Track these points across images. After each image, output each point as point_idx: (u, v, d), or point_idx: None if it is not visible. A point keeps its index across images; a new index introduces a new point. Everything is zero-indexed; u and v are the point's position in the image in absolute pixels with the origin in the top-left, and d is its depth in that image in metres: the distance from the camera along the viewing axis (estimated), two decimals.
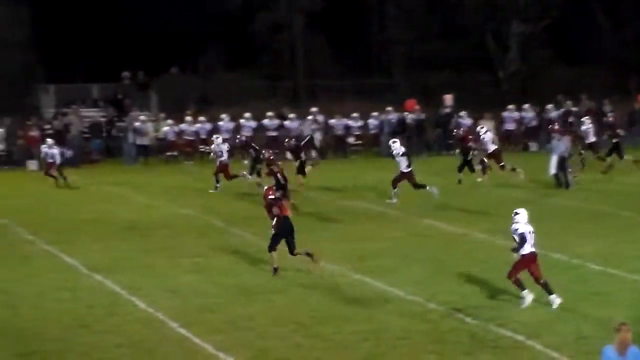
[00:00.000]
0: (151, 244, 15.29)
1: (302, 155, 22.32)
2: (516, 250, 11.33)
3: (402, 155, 20.34)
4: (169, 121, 31.66)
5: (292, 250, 13.26)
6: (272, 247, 13.24)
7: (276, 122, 31.64)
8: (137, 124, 30.69)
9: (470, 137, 23.93)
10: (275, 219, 13.34)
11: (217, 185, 22.37)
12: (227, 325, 10.81)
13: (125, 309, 11.63)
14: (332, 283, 12.86)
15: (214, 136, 24.86)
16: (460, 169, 23.11)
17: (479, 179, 23.04)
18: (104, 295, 12.42)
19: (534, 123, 32.63)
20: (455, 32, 40.28)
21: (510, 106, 32.61)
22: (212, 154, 23.42)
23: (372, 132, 32.48)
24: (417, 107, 32.18)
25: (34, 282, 13.05)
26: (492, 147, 23.15)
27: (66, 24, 36.84)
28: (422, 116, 32.15)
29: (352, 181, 24.35)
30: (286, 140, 24.23)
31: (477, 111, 31.81)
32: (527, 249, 11.26)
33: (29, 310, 11.57)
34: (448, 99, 32.98)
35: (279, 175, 18.57)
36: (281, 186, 17.87)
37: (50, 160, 23.94)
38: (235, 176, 22.74)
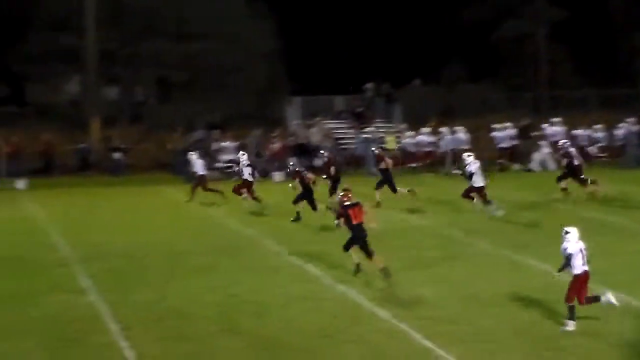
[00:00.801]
0: (388, 254, 15.31)
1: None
2: (561, 270, 11.19)
3: None
4: (410, 132, 32.07)
5: (369, 255, 13.89)
6: (346, 249, 14.26)
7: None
8: (377, 135, 31.27)
9: None
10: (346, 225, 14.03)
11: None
12: (470, 336, 10.87)
13: (368, 320, 11.80)
14: None
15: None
16: None
17: None
18: (348, 305, 12.64)
19: None
20: None
21: None
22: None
23: (618, 143, 31.95)
24: None
25: (281, 293, 13.50)
26: None
27: (311, 37, 38.35)
28: None
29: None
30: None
31: None
32: (580, 268, 10.96)
33: (275, 320, 11.96)
34: None
35: None
36: None
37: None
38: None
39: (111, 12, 34.82)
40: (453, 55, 39.85)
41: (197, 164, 23.92)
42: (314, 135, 31.90)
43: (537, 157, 31.20)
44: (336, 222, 14.61)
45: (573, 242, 11.02)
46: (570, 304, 10.82)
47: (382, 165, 21.67)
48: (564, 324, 10.81)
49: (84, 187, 28.51)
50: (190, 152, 25.27)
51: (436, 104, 36.77)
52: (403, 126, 33.05)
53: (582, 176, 21.67)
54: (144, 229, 20.26)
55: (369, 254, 13.84)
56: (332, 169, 21.84)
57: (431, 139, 31.62)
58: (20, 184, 28.48)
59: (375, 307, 12.31)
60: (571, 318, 10.77)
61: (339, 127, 34.23)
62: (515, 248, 16.33)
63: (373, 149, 25.09)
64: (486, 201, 19.87)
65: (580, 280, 10.96)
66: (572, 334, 10.56)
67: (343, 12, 39.79)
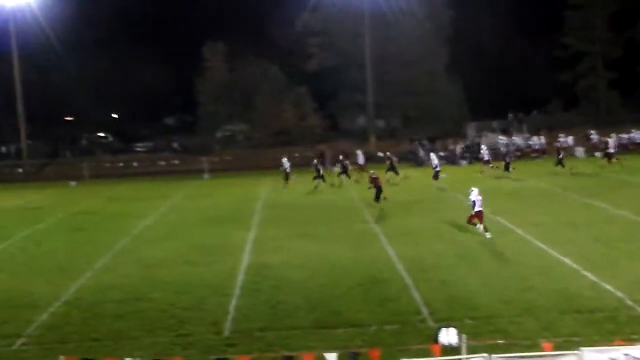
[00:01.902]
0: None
1: None
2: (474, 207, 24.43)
3: None
4: (534, 138, 63.66)
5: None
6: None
7: None
8: (514, 141, 63.40)
9: None
10: None
11: None
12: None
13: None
14: None
15: None
16: None
17: None
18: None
19: None
20: None
21: None
22: None
23: None
24: None
25: None
26: None
27: (481, 88, 72.45)
28: None
29: None
30: None
31: None
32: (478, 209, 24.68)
33: None
34: None
35: None
36: None
37: None
38: None
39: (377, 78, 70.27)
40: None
41: (433, 159, 42.31)
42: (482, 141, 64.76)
43: None
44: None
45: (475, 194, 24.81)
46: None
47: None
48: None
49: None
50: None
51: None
52: (528, 135, 64.53)
53: None
54: None
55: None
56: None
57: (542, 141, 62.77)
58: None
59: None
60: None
61: (496, 137, 66.70)
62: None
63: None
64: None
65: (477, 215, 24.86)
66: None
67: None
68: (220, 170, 57.57)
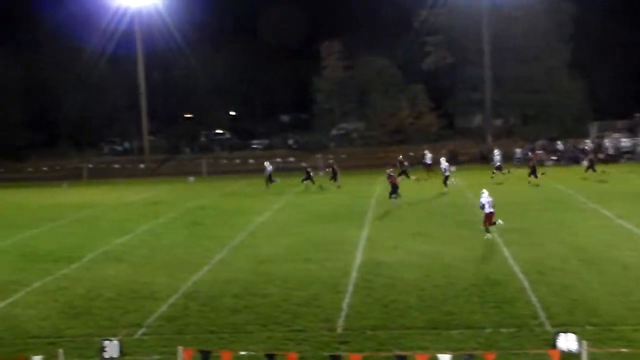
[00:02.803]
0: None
1: None
2: (482, 208, 25.62)
3: None
4: None
5: None
6: None
7: None
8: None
9: None
10: None
11: None
12: None
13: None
14: None
15: None
16: None
17: None
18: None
19: None
20: None
21: None
22: None
23: None
24: None
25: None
26: None
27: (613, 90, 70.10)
28: None
29: None
30: None
31: None
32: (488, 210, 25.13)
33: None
34: None
35: None
36: None
37: None
38: None
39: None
40: None
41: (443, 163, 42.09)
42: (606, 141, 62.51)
43: None
44: None
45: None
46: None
47: None
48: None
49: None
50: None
51: None
52: None
53: None
54: None
55: None
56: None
57: None
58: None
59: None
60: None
61: (619, 137, 64.19)
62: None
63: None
64: None
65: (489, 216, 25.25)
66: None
67: None
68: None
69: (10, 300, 19.76)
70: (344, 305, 18.01)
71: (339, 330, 16.23)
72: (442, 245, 24.67)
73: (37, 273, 22.87)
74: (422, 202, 36.20)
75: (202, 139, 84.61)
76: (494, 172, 45.74)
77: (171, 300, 19.05)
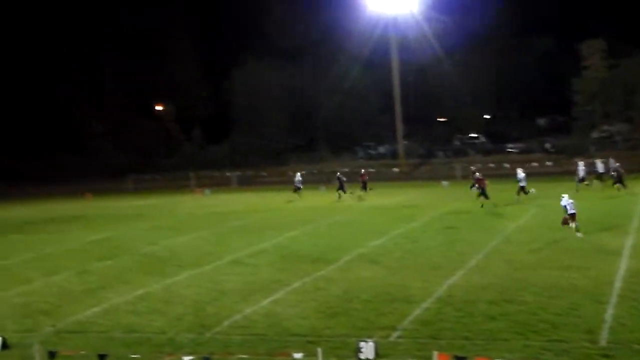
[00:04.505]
0: None
1: None
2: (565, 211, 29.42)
3: None
4: None
5: None
6: None
7: None
8: None
9: None
10: None
11: None
12: None
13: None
14: None
15: None
16: None
17: None
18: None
19: None
20: None
21: None
22: None
23: None
24: None
25: None
26: None
27: None
28: None
29: None
30: None
31: None
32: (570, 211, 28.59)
33: None
34: None
35: None
36: None
37: None
38: None
39: None
40: None
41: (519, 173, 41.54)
42: None
43: None
44: None
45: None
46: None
47: None
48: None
49: None
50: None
51: None
52: None
53: None
54: None
55: None
56: None
57: None
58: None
59: None
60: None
61: None
62: None
63: None
64: None
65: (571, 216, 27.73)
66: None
67: None
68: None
69: (272, 298, 20.96)
70: (607, 316, 17.10)
71: (603, 342, 15.43)
72: None
73: (297, 273, 24.09)
74: None
75: (456, 142, 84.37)
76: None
77: (425, 304, 19.20)
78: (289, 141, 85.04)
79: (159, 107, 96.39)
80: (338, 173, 51.92)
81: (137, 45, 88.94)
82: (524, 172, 41.51)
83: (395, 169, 70.43)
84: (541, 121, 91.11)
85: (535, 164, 63.84)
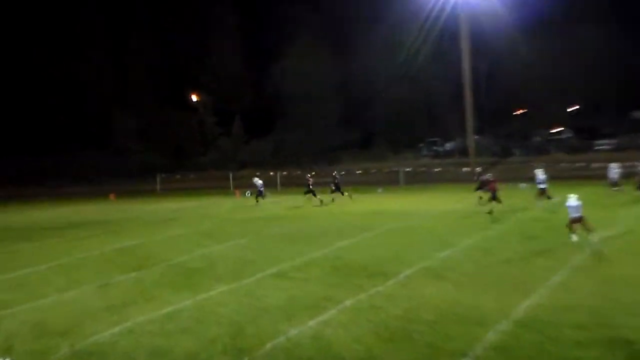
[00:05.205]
0: None
1: None
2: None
3: None
4: None
5: None
6: None
7: None
8: None
9: None
10: None
11: None
12: None
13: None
14: None
15: None
16: None
17: None
18: None
19: None
20: None
21: None
22: None
23: None
24: None
25: None
26: None
27: None
28: None
29: None
30: None
31: None
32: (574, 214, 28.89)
33: None
34: None
35: None
36: None
37: None
38: None
39: None
40: None
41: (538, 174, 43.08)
42: None
43: None
44: None
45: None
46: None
47: None
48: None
49: None
50: None
51: None
52: None
53: None
54: None
55: None
56: None
57: None
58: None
59: None
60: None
61: None
62: None
63: None
64: None
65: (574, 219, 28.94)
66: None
67: None
68: None
69: (321, 318, 20.60)
70: None
71: None
72: None
73: (350, 289, 23.70)
74: None
75: (536, 138, 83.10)
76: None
77: (501, 327, 18.67)
78: (343, 137, 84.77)
79: (194, 98, 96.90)
80: (334, 172, 53.43)
81: (172, 27, 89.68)
82: (544, 174, 42.39)
83: (465, 169, 69.62)
84: (637, 114, 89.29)
85: (628, 163, 62.39)
